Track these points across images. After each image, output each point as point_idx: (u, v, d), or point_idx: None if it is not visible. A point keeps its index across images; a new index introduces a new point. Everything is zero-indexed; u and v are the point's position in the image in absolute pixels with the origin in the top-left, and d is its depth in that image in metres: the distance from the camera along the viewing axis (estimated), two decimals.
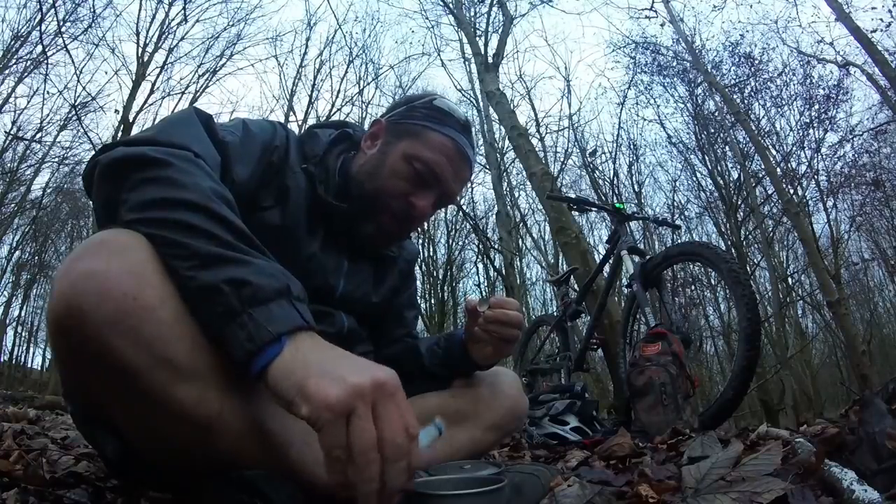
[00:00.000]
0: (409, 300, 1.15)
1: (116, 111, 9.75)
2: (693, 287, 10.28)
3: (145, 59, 10.10)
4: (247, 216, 0.66)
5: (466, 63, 10.43)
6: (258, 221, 0.84)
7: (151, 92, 10.28)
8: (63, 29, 8.13)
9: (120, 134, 9.28)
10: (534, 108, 12.24)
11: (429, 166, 0.94)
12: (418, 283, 1.39)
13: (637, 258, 2.41)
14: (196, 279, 0.57)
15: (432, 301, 12.08)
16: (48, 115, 10.49)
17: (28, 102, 10.22)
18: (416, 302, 1.21)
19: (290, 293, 0.59)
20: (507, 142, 8.29)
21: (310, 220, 0.93)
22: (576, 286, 3.49)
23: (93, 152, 0.69)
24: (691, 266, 8.44)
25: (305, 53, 12.26)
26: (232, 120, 0.91)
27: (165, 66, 10.46)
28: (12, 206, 11.38)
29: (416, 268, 1.23)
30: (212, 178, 0.66)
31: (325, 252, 0.95)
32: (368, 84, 11.88)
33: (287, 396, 0.52)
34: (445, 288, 12.22)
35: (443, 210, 12.40)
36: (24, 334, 15.12)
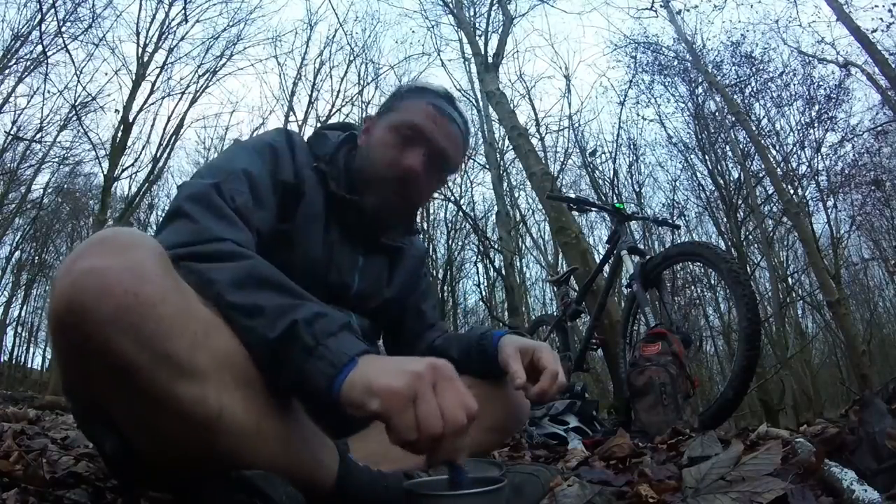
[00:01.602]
0: (423, 295, 1.19)
1: (116, 111, 9.75)
2: (693, 287, 10.28)
3: (145, 59, 10.10)
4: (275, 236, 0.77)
5: (466, 63, 10.38)
6: (279, 232, 0.89)
7: (151, 92, 10.30)
8: (63, 29, 8.12)
9: (120, 134, 9.28)
10: (534, 108, 12.15)
11: (410, 125, 0.98)
12: None
13: (637, 258, 2.41)
14: (274, 330, 0.62)
15: None
16: (48, 115, 10.47)
17: (28, 102, 10.21)
18: (433, 293, 1.25)
19: (350, 326, 0.66)
20: (507, 142, 8.27)
21: (326, 220, 0.97)
22: (576, 286, 3.49)
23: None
24: (691, 266, 8.43)
25: (306, 53, 12.19)
26: (233, 163, 0.86)
27: (165, 66, 10.46)
28: (12, 206, 11.38)
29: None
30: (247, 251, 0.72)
31: (341, 249, 0.99)
32: (368, 84, 11.83)
33: (358, 400, 0.59)
34: (445, 288, 12.20)
35: (442, 209, 12.49)
36: (24, 334, 15.17)
